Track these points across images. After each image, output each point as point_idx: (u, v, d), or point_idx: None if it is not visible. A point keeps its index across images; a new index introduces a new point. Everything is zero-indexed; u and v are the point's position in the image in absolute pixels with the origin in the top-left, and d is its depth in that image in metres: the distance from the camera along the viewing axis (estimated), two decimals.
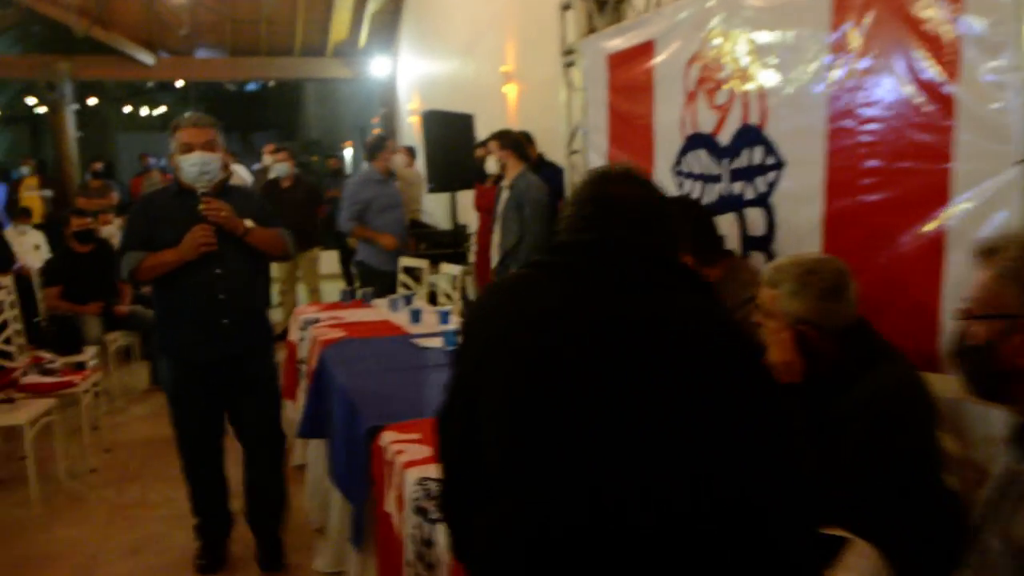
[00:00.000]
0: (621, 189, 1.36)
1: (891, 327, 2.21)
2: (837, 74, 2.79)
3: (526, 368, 1.22)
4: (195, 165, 3.09)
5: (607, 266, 1.27)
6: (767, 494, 1.15)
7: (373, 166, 5.94)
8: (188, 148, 3.09)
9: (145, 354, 6.57)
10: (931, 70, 2.41)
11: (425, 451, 2.32)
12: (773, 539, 1.15)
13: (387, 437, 2.47)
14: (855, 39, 2.68)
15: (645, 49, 3.96)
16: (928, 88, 2.43)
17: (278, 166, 7.29)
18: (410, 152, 9.18)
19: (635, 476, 1.14)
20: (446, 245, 7.08)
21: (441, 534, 1.85)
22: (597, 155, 4.58)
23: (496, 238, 5.03)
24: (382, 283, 5.56)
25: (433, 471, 2.16)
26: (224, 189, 3.23)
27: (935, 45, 2.38)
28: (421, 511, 1.99)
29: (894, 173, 2.60)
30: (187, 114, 3.23)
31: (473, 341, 1.35)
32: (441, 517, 1.40)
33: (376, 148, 5.98)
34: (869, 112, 2.67)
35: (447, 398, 1.38)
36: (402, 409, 2.76)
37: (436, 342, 3.70)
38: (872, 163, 2.69)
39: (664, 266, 1.29)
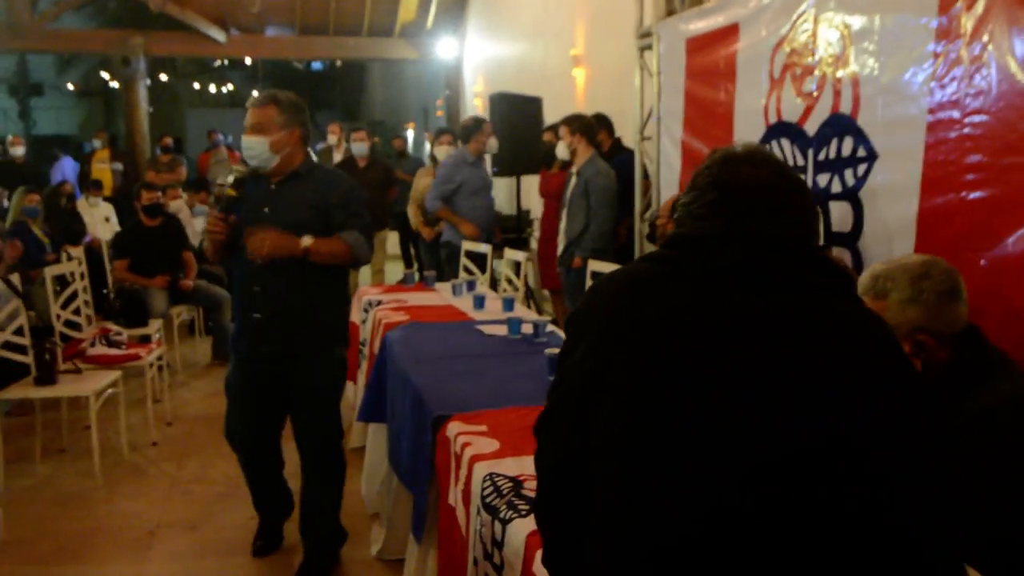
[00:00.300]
0: (748, 171, 1.22)
1: (989, 334, 2.05)
2: (942, 61, 2.61)
3: (648, 376, 1.10)
4: (243, 150, 2.92)
5: (735, 263, 1.14)
6: (924, 522, 1.03)
7: (467, 148, 5.88)
8: (245, 131, 2.92)
9: (208, 329, 6.64)
10: None
11: (494, 444, 2.24)
12: (928, 568, 1.03)
13: (453, 428, 2.39)
14: (965, 24, 2.50)
15: (728, 33, 3.80)
16: None
17: (356, 145, 7.31)
18: None
19: (773, 495, 1.02)
20: (509, 230, 6.98)
21: (513, 535, 1.77)
22: (670, 142, 4.44)
23: (563, 225, 4.92)
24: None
25: (502, 467, 2.09)
26: (297, 172, 2.96)
27: None
28: (491, 509, 1.90)
29: (1002, 169, 2.42)
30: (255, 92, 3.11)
31: (583, 342, 1.22)
32: (536, 523, 1.29)
33: (472, 130, 5.90)
34: (976, 103, 2.49)
35: (552, 400, 1.26)
36: (468, 398, 2.68)
37: (501, 329, 3.62)
38: (976, 157, 2.51)
39: (800, 260, 1.15)
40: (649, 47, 4.61)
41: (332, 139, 8.73)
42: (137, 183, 7.14)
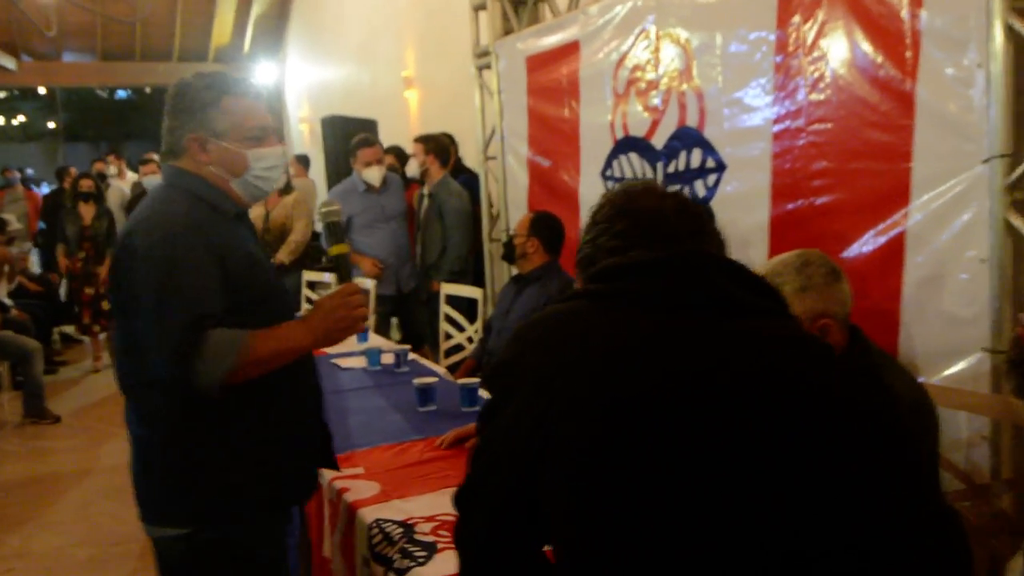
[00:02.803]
0: (652, 202, 1.16)
1: None
2: (783, 73, 2.70)
3: (616, 428, 0.98)
4: (275, 167, 1.81)
5: (689, 288, 1.04)
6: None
7: (356, 172, 4.77)
8: (258, 139, 1.77)
9: (16, 384, 5.96)
10: (889, 68, 2.34)
11: (374, 488, 2.08)
12: None
13: (326, 473, 2.20)
14: (804, 36, 2.60)
15: (569, 50, 3.82)
16: (885, 86, 2.36)
17: None
18: (301, 161, 8.80)
19: (760, 528, 0.94)
20: None
21: None
22: (516, 160, 4.41)
23: (418, 248, 4.77)
24: (382, 312, 4.79)
25: (388, 511, 1.93)
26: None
27: (894, 42, 2.32)
28: (382, 559, 1.74)
29: (848, 174, 2.53)
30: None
31: (516, 395, 1.05)
32: None
33: (353, 150, 4.78)
34: (819, 112, 2.60)
35: (478, 466, 1.09)
36: (335, 438, 2.49)
37: (359, 362, 3.44)
38: (823, 164, 2.61)
39: (748, 281, 1.07)
40: (488, 66, 4.58)
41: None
42: None
